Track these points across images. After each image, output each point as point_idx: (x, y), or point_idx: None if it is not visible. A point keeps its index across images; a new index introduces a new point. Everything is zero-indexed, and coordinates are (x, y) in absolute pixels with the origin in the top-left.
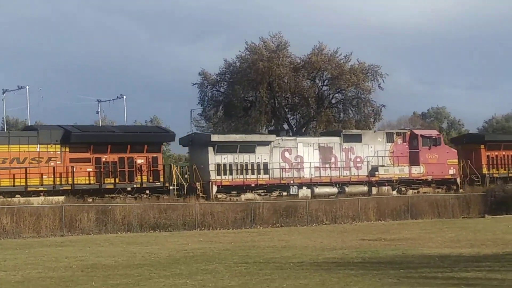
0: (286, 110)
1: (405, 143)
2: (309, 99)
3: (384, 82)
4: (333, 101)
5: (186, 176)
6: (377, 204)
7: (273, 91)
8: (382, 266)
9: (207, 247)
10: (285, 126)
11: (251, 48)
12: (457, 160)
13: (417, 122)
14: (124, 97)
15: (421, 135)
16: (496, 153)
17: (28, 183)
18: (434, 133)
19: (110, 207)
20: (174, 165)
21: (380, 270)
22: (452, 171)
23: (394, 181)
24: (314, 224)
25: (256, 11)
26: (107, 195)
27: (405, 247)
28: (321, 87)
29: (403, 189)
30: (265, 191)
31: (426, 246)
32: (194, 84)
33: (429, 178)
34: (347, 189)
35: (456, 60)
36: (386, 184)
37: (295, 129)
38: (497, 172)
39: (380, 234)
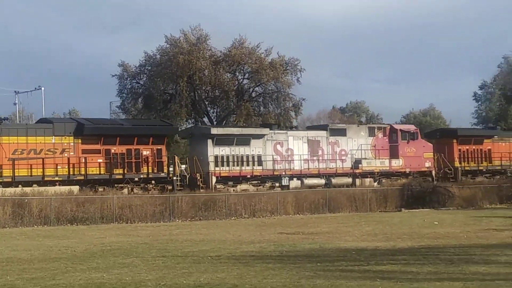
0: (206, 103)
1: (385, 137)
2: (229, 92)
3: (302, 76)
4: (253, 94)
5: (185, 166)
6: (295, 198)
7: (193, 84)
8: (299, 260)
9: (124, 240)
10: (205, 119)
11: (171, 40)
12: (432, 153)
13: (336, 116)
14: (42, 88)
15: (400, 130)
16: (467, 147)
17: (45, 173)
18: (412, 127)
19: (26, 200)
20: (177, 157)
21: (298, 263)
22: (428, 164)
23: (376, 173)
24: (233, 218)
25: (178, 2)
26: (116, 185)
27: (323, 241)
28: (241, 80)
29: (383, 180)
30: (259, 182)
31: (343, 239)
32: (113, 76)
33: (407, 170)
34: (333, 180)
35: (376, 55)
36: (369, 176)
37: (215, 122)
38: (467, 165)
39: (298, 228)
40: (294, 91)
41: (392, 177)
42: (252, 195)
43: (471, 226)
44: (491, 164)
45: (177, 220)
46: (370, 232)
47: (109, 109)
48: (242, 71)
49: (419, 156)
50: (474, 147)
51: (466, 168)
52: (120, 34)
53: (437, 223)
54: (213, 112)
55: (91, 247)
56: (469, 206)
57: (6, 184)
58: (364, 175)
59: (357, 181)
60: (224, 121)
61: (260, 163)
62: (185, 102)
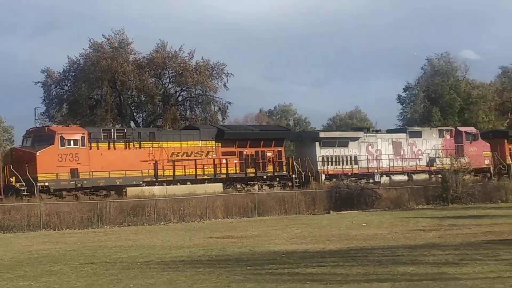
0: (132, 108)
1: (451, 138)
2: (155, 97)
3: (228, 82)
4: (180, 98)
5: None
6: (224, 202)
7: (117, 89)
8: (229, 264)
9: (52, 248)
10: (132, 124)
11: (94, 45)
12: (490, 152)
13: (264, 119)
14: None
15: (465, 131)
16: None
17: (197, 173)
18: (473, 129)
19: None
20: (291, 158)
21: (227, 267)
22: (487, 162)
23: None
24: (162, 223)
25: (100, 7)
26: (249, 182)
27: (252, 244)
28: (166, 84)
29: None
30: (357, 178)
31: (273, 243)
32: (36, 83)
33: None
34: (414, 177)
35: (302, 58)
36: (442, 172)
37: (141, 127)
38: None
39: (227, 232)
40: (221, 94)
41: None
42: (181, 200)
43: (399, 227)
44: None
45: (106, 227)
46: (299, 235)
47: (34, 115)
48: (167, 75)
49: (480, 154)
50: None
51: None
52: (41, 39)
53: (365, 224)
54: (139, 117)
55: (18, 255)
56: (396, 207)
57: (169, 182)
58: (438, 172)
59: (433, 177)
60: (151, 126)
61: (356, 162)
62: (110, 107)
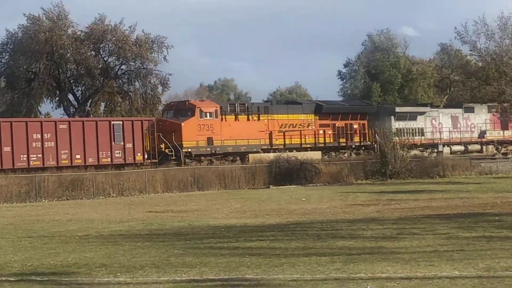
0: (71, 82)
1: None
2: (94, 70)
3: (168, 54)
4: (119, 72)
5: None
6: (164, 176)
7: (56, 62)
8: (168, 238)
9: None
10: (71, 97)
11: (32, 18)
12: None
13: (204, 94)
14: None
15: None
16: None
17: (302, 142)
18: None
19: None
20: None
21: (167, 241)
22: None
23: (495, 141)
24: (101, 197)
25: None
26: (341, 150)
27: (192, 219)
28: (106, 58)
29: (499, 147)
30: (423, 148)
31: (212, 217)
32: None
33: None
34: (469, 147)
35: (242, 34)
36: (491, 143)
37: (80, 101)
38: None
39: (167, 206)
40: (161, 68)
41: (503, 144)
42: (120, 174)
43: (338, 201)
44: None
45: (44, 200)
46: (239, 209)
47: None
48: (106, 49)
49: None
50: None
51: None
52: None
53: (304, 199)
54: (77, 91)
55: None
56: (336, 182)
57: (280, 150)
58: (488, 143)
59: (483, 148)
60: (90, 100)
61: (422, 134)
62: (49, 80)
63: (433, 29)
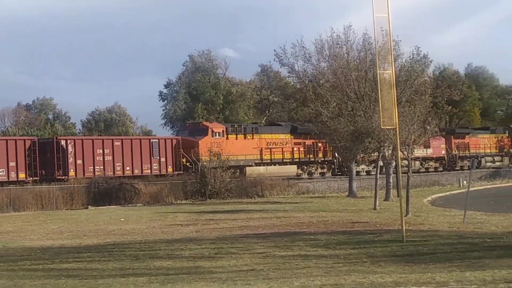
0: None
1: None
2: None
3: None
4: None
5: None
6: None
7: None
8: None
9: None
10: None
11: None
12: None
13: (22, 113)
14: None
15: None
16: None
17: (284, 157)
18: None
19: None
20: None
21: None
22: None
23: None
24: None
25: None
26: (309, 164)
27: (6, 240)
28: None
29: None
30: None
31: (28, 238)
32: None
33: None
34: None
35: (61, 53)
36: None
37: None
38: None
39: None
40: None
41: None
42: None
43: (157, 221)
44: None
45: None
46: (56, 230)
47: None
48: None
49: None
50: None
51: None
52: None
53: (123, 219)
54: None
55: None
56: (156, 202)
57: (267, 164)
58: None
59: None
60: None
61: None
62: None
63: (253, 51)
